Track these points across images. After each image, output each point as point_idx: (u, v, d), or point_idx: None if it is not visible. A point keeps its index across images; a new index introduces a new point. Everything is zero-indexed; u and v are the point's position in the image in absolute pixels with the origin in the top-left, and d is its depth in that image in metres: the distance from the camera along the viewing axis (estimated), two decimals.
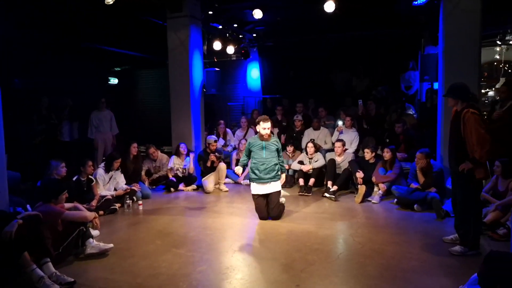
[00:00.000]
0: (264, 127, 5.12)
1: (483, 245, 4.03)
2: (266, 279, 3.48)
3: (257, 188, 5.17)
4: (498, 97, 5.79)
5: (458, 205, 4.01)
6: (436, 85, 7.87)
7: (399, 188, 5.82)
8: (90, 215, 4.08)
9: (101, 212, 5.42)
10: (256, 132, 8.49)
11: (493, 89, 11.02)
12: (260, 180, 5.13)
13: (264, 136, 5.16)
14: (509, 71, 11.45)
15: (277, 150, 5.25)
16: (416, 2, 6.64)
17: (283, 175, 5.40)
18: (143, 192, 6.41)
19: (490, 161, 4.90)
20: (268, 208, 5.18)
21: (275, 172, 5.17)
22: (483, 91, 10.68)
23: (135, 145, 6.86)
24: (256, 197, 5.19)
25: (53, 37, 8.25)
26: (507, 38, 10.29)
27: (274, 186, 5.19)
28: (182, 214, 5.71)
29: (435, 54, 6.91)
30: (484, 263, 2.21)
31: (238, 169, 5.39)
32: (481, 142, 3.67)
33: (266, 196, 5.19)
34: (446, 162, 4.92)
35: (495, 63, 11.94)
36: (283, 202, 5.51)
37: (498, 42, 10.75)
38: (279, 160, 5.28)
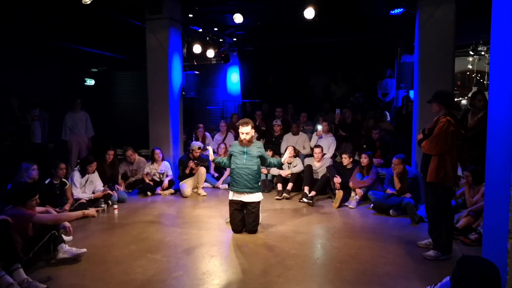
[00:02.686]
0: (243, 131, 4.75)
1: (456, 250, 4.12)
2: (243, 284, 3.46)
3: (235, 195, 4.81)
4: (470, 106, 5.97)
5: (430, 210, 4.10)
6: (412, 93, 8.06)
7: (375, 193, 5.91)
8: (63, 216, 3.97)
9: None
10: (235, 137, 8.52)
11: (466, 97, 11.40)
12: (238, 189, 4.75)
13: (243, 141, 4.78)
14: (481, 80, 11.87)
15: (261, 157, 4.84)
16: (393, 12, 6.80)
17: (286, 155, 5.05)
18: (119, 196, 6.27)
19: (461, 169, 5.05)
20: (246, 220, 4.78)
21: (256, 180, 4.78)
22: (456, 99, 11.01)
23: (110, 152, 6.66)
24: (232, 205, 4.81)
25: (30, 36, 8.04)
26: (479, 48, 10.69)
27: (253, 197, 4.79)
28: (158, 218, 5.61)
29: (411, 63, 7.07)
30: (456, 268, 2.25)
31: (211, 153, 5.07)
32: (434, 143, 3.86)
33: (243, 206, 4.80)
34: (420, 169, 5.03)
35: (468, 73, 12.36)
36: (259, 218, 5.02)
37: (471, 53, 11.15)
38: (268, 158, 4.95)
